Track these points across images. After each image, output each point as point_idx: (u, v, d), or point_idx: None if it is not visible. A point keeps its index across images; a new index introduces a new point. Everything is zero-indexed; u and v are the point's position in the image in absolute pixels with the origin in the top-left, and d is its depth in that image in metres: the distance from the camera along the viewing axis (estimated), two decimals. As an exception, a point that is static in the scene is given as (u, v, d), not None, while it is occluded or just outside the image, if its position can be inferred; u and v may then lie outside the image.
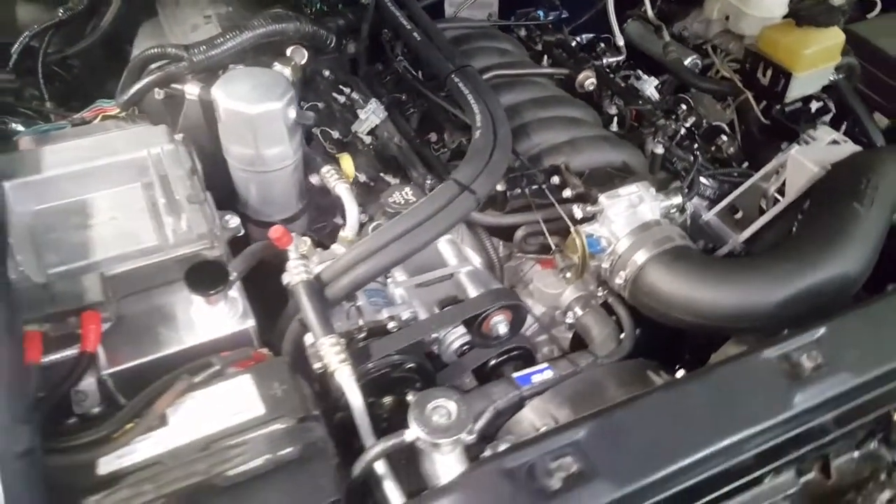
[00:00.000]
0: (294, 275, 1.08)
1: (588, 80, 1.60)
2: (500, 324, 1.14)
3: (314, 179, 1.29)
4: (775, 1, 1.58)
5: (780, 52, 1.48)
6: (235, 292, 1.09)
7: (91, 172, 1.14)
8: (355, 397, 0.98)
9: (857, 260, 1.12)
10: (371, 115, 1.47)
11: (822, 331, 1.00)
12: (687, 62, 1.71)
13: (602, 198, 1.25)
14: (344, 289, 1.07)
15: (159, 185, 1.14)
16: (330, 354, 1.00)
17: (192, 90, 1.19)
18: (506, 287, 1.27)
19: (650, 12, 1.84)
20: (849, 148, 1.42)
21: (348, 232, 1.21)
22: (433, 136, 1.47)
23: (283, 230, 1.10)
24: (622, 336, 1.25)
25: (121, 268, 1.06)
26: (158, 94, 1.21)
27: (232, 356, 1.02)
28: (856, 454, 1.04)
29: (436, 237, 1.12)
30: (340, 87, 1.42)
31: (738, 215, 1.51)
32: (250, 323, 1.07)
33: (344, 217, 1.24)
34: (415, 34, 1.57)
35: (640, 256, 1.20)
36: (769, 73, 1.51)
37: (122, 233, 1.11)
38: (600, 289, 1.32)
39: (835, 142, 1.46)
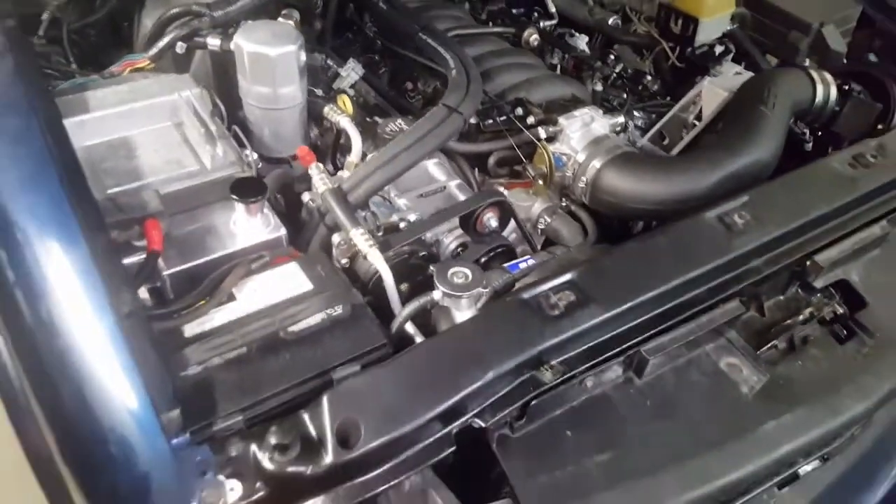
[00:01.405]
0: (320, 184, 1.24)
1: (532, 36, 1.83)
2: (491, 219, 1.33)
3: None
4: (679, -37, 1.86)
5: (687, 3, 1.75)
6: (267, 209, 1.24)
7: (131, 113, 1.26)
8: (386, 272, 1.15)
9: (769, 148, 1.38)
10: (351, 72, 1.65)
11: (746, 197, 1.25)
12: (609, 22, 1.97)
13: (561, 119, 1.47)
14: (365, 192, 1.24)
15: (191, 122, 1.28)
16: (361, 241, 1.16)
17: (213, 42, 1.34)
18: (491, 188, 1.46)
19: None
20: (747, 75, 1.71)
21: (354, 157, 1.37)
22: (409, 85, 1.66)
23: (307, 149, 1.26)
24: (588, 232, 1.47)
25: (170, 188, 1.20)
26: (181, 47, 1.34)
27: (276, 252, 1.18)
28: (781, 297, 1.29)
29: (435, 148, 1.31)
30: (314, 54, 1.58)
31: (666, 141, 1.77)
32: (282, 231, 1.23)
33: (341, 153, 1.41)
34: (380, 4, 1.76)
35: (597, 162, 1.42)
36: (680, 21, 1.78)
37: (166, 161, 1.24)
38: (563, 200, 1.53)
39: (738, 73, 1.75)
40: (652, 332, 1.09)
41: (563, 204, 1.53)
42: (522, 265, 1.35)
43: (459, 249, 1.35)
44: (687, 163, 1.39)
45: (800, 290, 1.29)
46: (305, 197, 1.33)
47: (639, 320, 1.08)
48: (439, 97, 1.58)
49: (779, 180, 1.33)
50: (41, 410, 0.94)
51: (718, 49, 1.85)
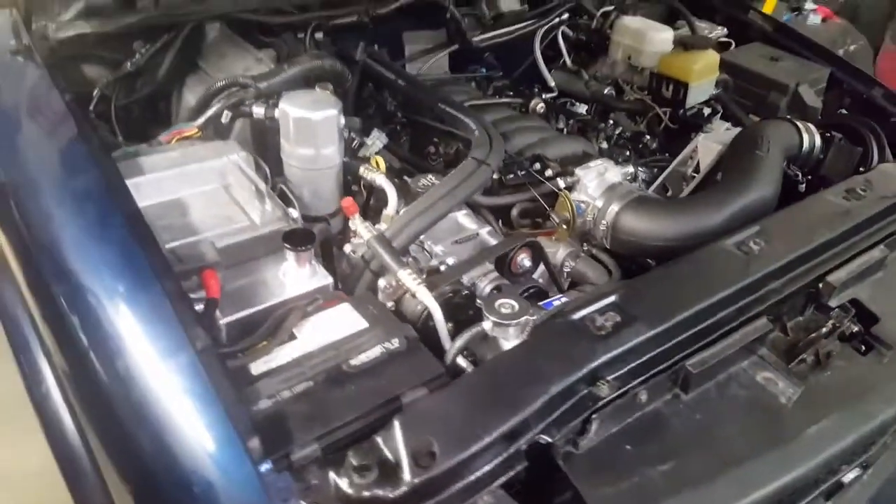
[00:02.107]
0: (365, 232, 1.29)
1: (538, 105, 1.96)
2: (524, 260, 1.39)
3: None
4: (664, 38, 2.04)
5: (676, 70, 1.91)
6: (314, 259, 1.29)
7: (183, 175, 1.33)
8: (435, 307, 1.18)
9: (770, 186, 1.48)
10: (376, 140, 1.75)
11: (758, 227, 1.34)
12: (605, 92, 2.12)
13: (577, 170, 1.56)
14: (407, 237, 1.30)
15: (239, 182, 1.35)
16: (409, 281, 1.21)
17: (258, 110, 1.43)
18: (519, 232, 1.51)
19: (569, 62, 2.27)
20: (736, 130, 1.84)
21: (390, 210, 1.44)
22: (431, 149, 1.76)
23: (351, 200, 1.32)
24: (612, 272, 1.52)
25: (223, 242, 1.24)
26: (226, 116, 1.43)
27: (327, 296, 1.21)
28: (801, 318, 1.34)
29: (468, 196, 1.38)
30: (352, 117, 1.68)
31: (669, 193, 1.87)
32: (329, 279, 1.26)
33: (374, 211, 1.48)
34: (399, 82, 1.89)
35: (615, 206, 1.50)
36: (671, 87, 1.93)
37: (218, 218, 1.30)
38: (584, 245, 1.60)
39: (728, 129, 1.88)
40: (692, 349, 1.13)
41: (585, 248, 1.59)
42: (556, 303, 1.40)
43: (495, 291, 1.40)
44: (698, 202, 1.48)
45: (816, 311, 1.35)
46: (347, 248, 1.38)
47: (680, 338, 1.12)
48: (461, 157, 1.68)
49: (783, 212, 1.42)
50: (117, 468, 0.95)
51: (707, 110, 2.00)
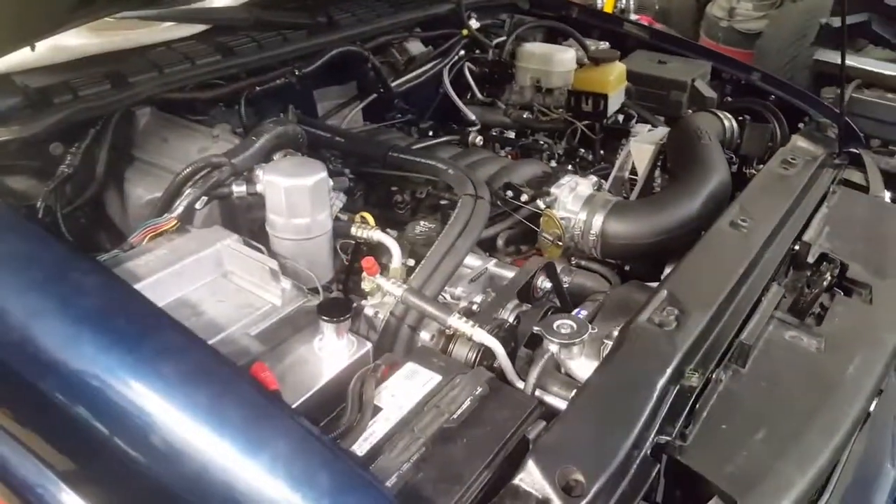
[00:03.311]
0: (396, 289, 1.28)
1: (477, 138, 2.06)
2: (544, 282, 1.45)
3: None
4: (569, 58, 2.24)
5: (593, 84, 2.10)
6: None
7: (181, 272, 1.23)
8: (496, 345, 1.20)
9: (724, 168, 1.70)
10: (335, 200, 1.73)
11: (738, 206, 1.52)
12: (524, 117, 2.27)
13: (552, 189, 1.66)
14: (439, 283, 1.30)
15: (242, 268, 1.28)
16: (462, 325, 1.21)
17: (239, 188, 1.36)
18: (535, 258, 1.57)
19: (479, 95, 2.40)
20: (661, 129, 2.06)
21: (396, 264, 1.43)
22: (398, 198, 1.77)
23: (372, 260, 1.30)
24: (608, 278, 1.63)
25: (254, 330, 1.17)
26: (202, 201, 1.35)
27: (383, 360, 1.19)
28: (789, 278, 1.52)
29: (481, 231, 1.42)
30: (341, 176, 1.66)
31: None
32: (369, 345, 1.24)
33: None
34: (337, 138, 1.89)
35: (599, 216, 1.62)
36: (590, 101, 2.11)
37: (236, 308, 1.22)
38: (572, 259, 1.69)
39: (650, 130, 2.09)
40: (739, 324, 1.25)
41: (573, 263, 1.69)
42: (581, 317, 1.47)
43: (517, 320, 1.44)
44: (672, 195, 1.64)
45: (797, 269, 1.54)
46: (369, 311, 1.36)
47: (726, 316, 1.24)
48: (434, 200, 1.72)
49: (748, 189, 1.62)
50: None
51: (620, 117, 2.21)
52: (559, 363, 1.22)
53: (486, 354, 1.24)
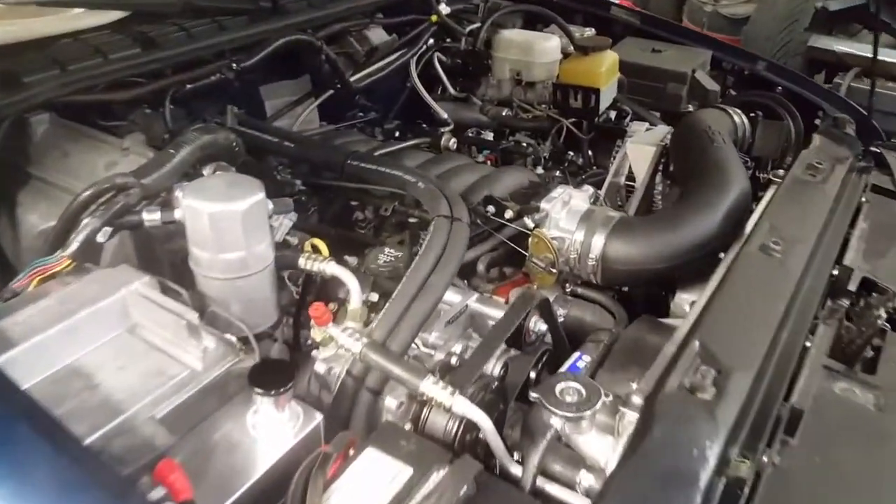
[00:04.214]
0: (353, 343, 1.02)
1: (450, 141, 1.80)
2: (537, 323, 1.20)
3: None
4: (552, 47, 1.99)
5: (583, 77, 1.86)
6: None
7: (73, 330, 0.96)
8: (483, 419, 0.95)
9: (743, 176, 1.47)
10: (283, 219, 1.46)
11: (767, 224, 1.29)
12: (504, 114, 2.02)
13: (542, 204, 1.41)
14: (408, 334, 1.05)
15: (153, 320, 1.01)
16: (439, 392, 0.96)
17: (151, 216, 1.08)
18: (525, 291, 1.31)
19: (452, 90, 2.14)
20: (662, 127, 1.83)
21: (355, 304, 1.17)
22: (359, 215, 1.51)
23: (322, 307, 1.04)
24: (611, 310, 1.39)
25: (163, 409, 0.90)
26: (104, 233, 1.07)
27: (336, 444, 0.92)
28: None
29: (460, 261, 1.16)
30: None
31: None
32: (319, 418, 0.98)
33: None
34: (286, 143, 1.62)
35: (600, 236, 1.37)
36: (579, 96, 1.87)
37: (142, 377, 0.95)
38: (566, 286, 1.45)
39: (649, 129, 1.86)
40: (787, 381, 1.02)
41: (568, 290, 1.44)
42: (581, 364, 1.23)
43: (503, 370, 1.19)
44: (688, 211, 1.40)
45: (835, 299, 1.32)
46: (319, 367, 1.10)
47: (769, 374, 1.00)
48: (401, 217, 1.46)
49: (774, 204, 1.39)
50: None
51: (613, 114, 1.97)
52: (562, 437, 0.97)
53: (470, 425, 0.99)
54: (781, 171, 1.66)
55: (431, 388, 0.96)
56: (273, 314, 1.22)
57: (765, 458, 0.92)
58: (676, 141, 1.64)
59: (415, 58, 2.05)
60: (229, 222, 1.07)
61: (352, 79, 1.88)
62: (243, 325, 1.05)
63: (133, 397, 0.91)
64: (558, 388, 0.97)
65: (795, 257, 1.22)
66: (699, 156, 1.52)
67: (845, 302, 1.29)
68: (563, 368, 1.23)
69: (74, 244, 1.03)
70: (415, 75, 2.05)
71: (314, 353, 1.15)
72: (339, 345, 1.04)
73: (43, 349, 0.92)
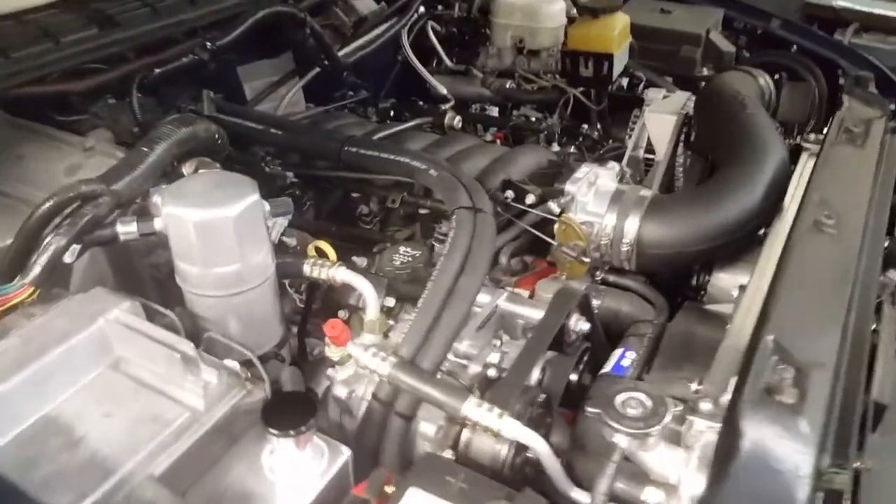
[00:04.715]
0: (379, 364, 0.88)
1: (455, 119, 1.64)
2: (578, 322, 1.07)
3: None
4: (557, 11, 1.82)
5: (594, 42, 1.70)
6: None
7: (42, 374, 0.80)
8: (537, 441, 0.82)
9: (781, 144, 1.34)
10: (276, 219, 1.30)
11: (816, 196, 1.16)
12: (507, 86, 1.86)
13: (567, 186, 1.27)
14: (441, 349, 0.91)
15: (142, 352, 0.85)
16: (484, 416, 0.83)
17: (127, 228, 0.92)
18: (563, 286, 1.17)
19: (448, 62, 1.97)
20: (681, 94, 1.68)
21: (372, 314, 1.02)
22: (363, 209, 1.35)
23: (340, 325, 0.89)
24: (650, 298, 1.26)
25: (163, 463, 0.75)
26: (72, 252, 0.90)
27: (371, 486, 0.79)
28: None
29: (489, 262, 1.02)
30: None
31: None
32: (347, 454, 0.84)
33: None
34: (273, 131, 1.45)
35: (634, 219, 1.24)
36: (591, 63, 1.71)
37: (134, 424, 0.79)
38: (598, 274, 1.32)
39: (666, 96, 1.71)
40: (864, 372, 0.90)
41: (599, 278, 1.31)
42: (626, 363, 1.10)
43: (541, 374, 1.06)
44: (727, 186, 1.27)
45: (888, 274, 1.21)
46: (339, 389, 0.95)
47: (844, 367, 0.88)
48: (410, 208, 1.31)
49: (818, 174, 1.26)
50: None
51: (625, 81, 1.83)
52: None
53: (521, 446, 0.86)
54: (813, 136, 1.54)
55: (475, 410, 0.83)
56: (277, 331, 1.07)
57: (859, 464, 0.81)
58: (702, 108, 1.50)
59: (406, 28, 1.88)
60: (220, 231, 0.91)
61: (340, 53, 1.70)
62: (246, 350, 0.90)
63: (125, 452, 0.75)
64: (618, 399, 0.84)
65: (850, 232, 1.09)
66: (731, 124, 1.39)
67: (896, 277, 1.18)
68: (607, 369, 1.10)
69: (37, 268, 0.87)
70: (407, 47, 1.88)
71: (330, 371, 1.01)
72: (362, 365, 0.90)
73: (6, 402, 0.77)
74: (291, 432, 0.78)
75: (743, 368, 0.86)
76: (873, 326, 1.01)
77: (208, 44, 1.36)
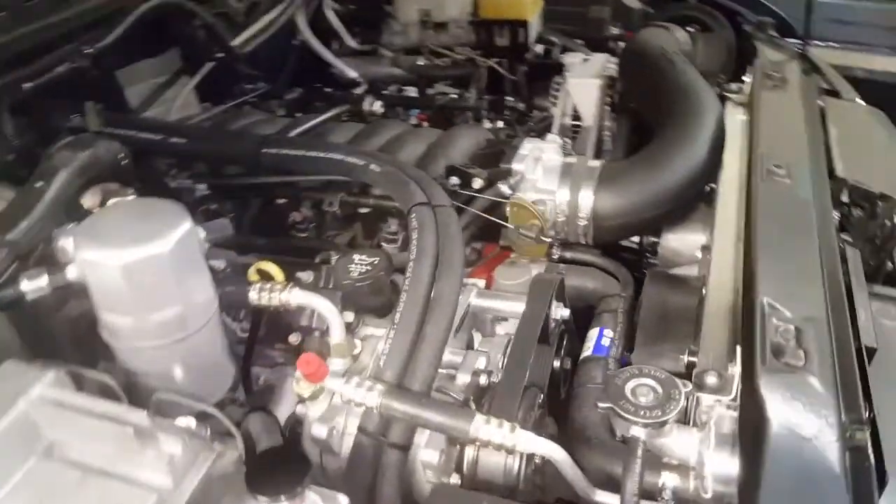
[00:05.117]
0: (366, 395, 0.78)
1: (375, 103, 1.52)
2: (558, 309, 1.01)
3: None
4: (467, -23, 1.74)
5: (507, 9, 1.64)
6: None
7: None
8: (555, 450, 0.76)
9: (715, 97, 1.33)
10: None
11: (762, 148, 1.16)
12: (419, 63, 1.76)
13: (514, 165, 1.20)
14: (429, 366, 0.83)
15: (83, 431, 0.71)
16: (496, 433, 0.75)
17: (34, 284, 0.76)
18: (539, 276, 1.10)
19: (351, 42, 1.84)
20: (599, 56, 1.65)
21: (337, 336, 0.91)
22: (296, 216, 1.22)
23: (316, 359, 0.78)
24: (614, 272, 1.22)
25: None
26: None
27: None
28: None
29: (463, 261, 0.93)
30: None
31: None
32: (344, 500, 0.74)
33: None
34: (175, 140, 1.28)
35: (587, 193, 1.19)
36: (506, 32, 1.64)
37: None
38: (554, 251, 1.26)
39: (586, 59, 1.67)
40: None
41: (556, 257, 1.26)
42: (605, 342, 1.06)
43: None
44: (671, 147, 1.24)
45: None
46: (319, 430, 0.84)
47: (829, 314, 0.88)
48: (348, 209, 1.20)
49: (755, 124, 1.26)
50: None
51: (540, 48, 1.77)
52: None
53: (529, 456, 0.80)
54: (735, 86, 1.55)
55: (485, 429, 0.75)
56: (229, 372, 0.94)
57: (872, 415, 0.81)
58: (628, 69, 1.47)
59: (302, 9, 1.72)
60: (154, 271, 0.77)
61: (234, 43, 1.53)
62: (203, 405, 0.77)
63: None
64: (628, 388, 0.79)
65: (801, 179, 1.10)
66: (662, 82, 1.36)
67: (837, 215, 1.21)
68: (588, 352, 1.06)
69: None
70: (306, 29, 1.73)
71: (300, 409, 0.90)
72: (345, 400, 0.79)
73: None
74: (283, 497, 0.68)
75: (746, 336, 0.83)
76: (844, 270, 1.01)
77: (87, 48, 1.17)
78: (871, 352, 0.88)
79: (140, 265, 0.75)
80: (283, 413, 1.00)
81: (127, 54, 1.41)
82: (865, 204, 1.20)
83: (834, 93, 1.62)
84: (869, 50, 2.08)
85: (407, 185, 1.03)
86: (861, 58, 2.16)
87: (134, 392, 0.82)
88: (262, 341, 1.09)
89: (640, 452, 0.75)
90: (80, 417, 0.70)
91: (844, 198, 1.22)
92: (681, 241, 1.32)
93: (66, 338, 0.88)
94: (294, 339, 1.07)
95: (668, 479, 0.80)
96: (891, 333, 0.91)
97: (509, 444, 0.75)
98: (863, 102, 1.65)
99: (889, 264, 1.13)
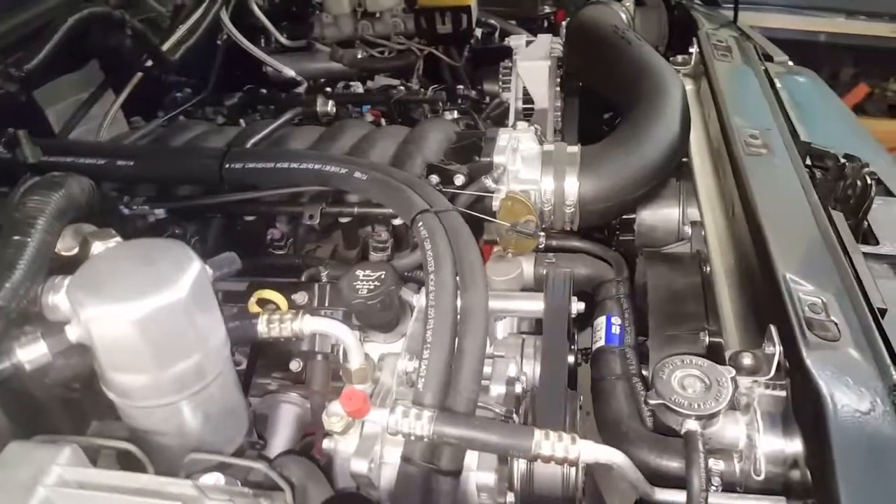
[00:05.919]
0: (415, 425, 0.73)
1: (327, 104, 1.44)
2: (574, 305, 1.00)
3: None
4: (401, -34, 1.67)
5: (448, -2, 1.59)
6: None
7: None
8: (616, 455, 0.75)
9: (673, 72, 1.34)
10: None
11: (734, 121, 1.19)
12: (359, 56, 1.69)
13: (495, 158, 1.17)
14: (471, 385, 0.78)
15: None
16: (558, 447, 0.73)
17: (32, 354, 0.66)
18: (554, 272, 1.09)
19: (281, 39, 1.74)
20: (543, 37, 1.64)
21: (354, 361, 0.87)
22: (275, 234, 1.14)
23: (358, 395, 0.73)
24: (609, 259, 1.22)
25: None
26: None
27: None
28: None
29: (482, 264, 0.90)
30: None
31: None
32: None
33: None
34: (119, 162, 1.17)
35: (571, 180, 1.17)
36: (447, 18, 1.60)
37: None
38: (541, 239, 1.25)
39: (530, 41, 1.66)
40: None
41: (542, 245, 1.24)
42: (615, 330, 1.06)
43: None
44: (645, 125, 1.23)
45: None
46: (357, 464, 0.80)
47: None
48: (327, 219, 1.14)
49: (718, 96, 1.30)
50: None
51: (480, 32, 1.74)
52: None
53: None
54: (681, 58, 1.59)
55: (546, 444, 0.73)
56: (245, 415, 0.87)
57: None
58: (579, 48, 1.47)
59: (224, 7, 1.61)
60: (171, 321, 0.69)
61: (165, 48, 1.40)
62: (249, 461, 0.71)
63: None
64: (674, 377, 0.79)
65: (777, 148, 1.14)
66: (619, 60, 1.37)
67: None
68: (601, 342, 1.05)
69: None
70: (231, 27, 1.62)
71: (326, 444, 0.84)
72: (392, 432, 0.75)
73: None
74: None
75: (777, 315, 0.84)
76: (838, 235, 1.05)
77: (14, 70, 1.03)
78: (882, 313, 0.92)
79: (155, 317, 0.67)
80: (277, 445, 0.95)
81: (46, 71, 1.26)
82: (830, 165, 1.26)
83: (768, 57, 1.70)
84: (785, 10, 2.21)
85: (402, 192, 0.99)
86: (778, 19, 2.29)
87: (147, 452, 0.74)
88: (263, 370, 1.03)
89: (700, 446, 0.75)
90: (111, 497, 0.63)
91: (808, 161, 1.28)
92: (656, 216, 1.35)
93: (57, 404, 0.79)
94: (295, 366, 1.01)
95: (715, 465, 0.81)
96: (892, 292, 0.96)
97: (573, 456, 0.73)
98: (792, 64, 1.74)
99: (865, 223, 1.19)
